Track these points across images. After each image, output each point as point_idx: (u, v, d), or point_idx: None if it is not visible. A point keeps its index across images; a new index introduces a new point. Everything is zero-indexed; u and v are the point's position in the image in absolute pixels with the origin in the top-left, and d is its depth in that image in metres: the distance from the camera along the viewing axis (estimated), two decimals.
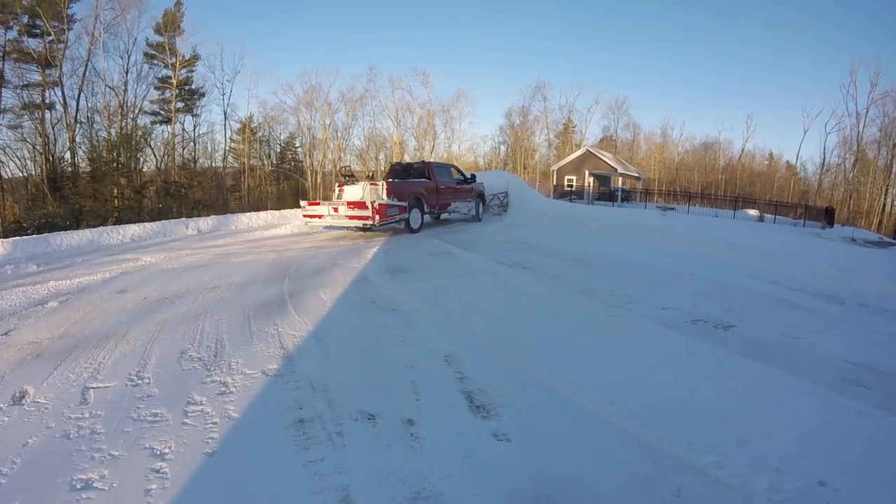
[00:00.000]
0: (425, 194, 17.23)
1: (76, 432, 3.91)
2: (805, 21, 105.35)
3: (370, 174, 19.89)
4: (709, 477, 3.53)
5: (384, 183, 15.37)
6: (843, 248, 19.81)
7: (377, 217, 14.26)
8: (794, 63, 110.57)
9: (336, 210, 15.01)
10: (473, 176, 21.62)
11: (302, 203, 16.84)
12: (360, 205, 14.44)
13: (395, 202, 15.21)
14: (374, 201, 14.30)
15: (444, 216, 19.47)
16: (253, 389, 4.66)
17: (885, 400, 5.09)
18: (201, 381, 4.85)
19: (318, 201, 16.40)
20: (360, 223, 14.76)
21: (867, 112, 63.97)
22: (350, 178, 17.55)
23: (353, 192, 16.14)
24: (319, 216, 15.68)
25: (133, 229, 17.14)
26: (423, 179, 17.78)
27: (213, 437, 3.85)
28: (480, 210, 21.53)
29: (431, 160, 25.36)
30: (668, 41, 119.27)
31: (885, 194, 61.80)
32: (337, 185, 17.35)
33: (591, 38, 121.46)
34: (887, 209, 60.62)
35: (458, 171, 20.84)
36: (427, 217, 17.60)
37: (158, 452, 3.64)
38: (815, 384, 5.21)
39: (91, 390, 4.65)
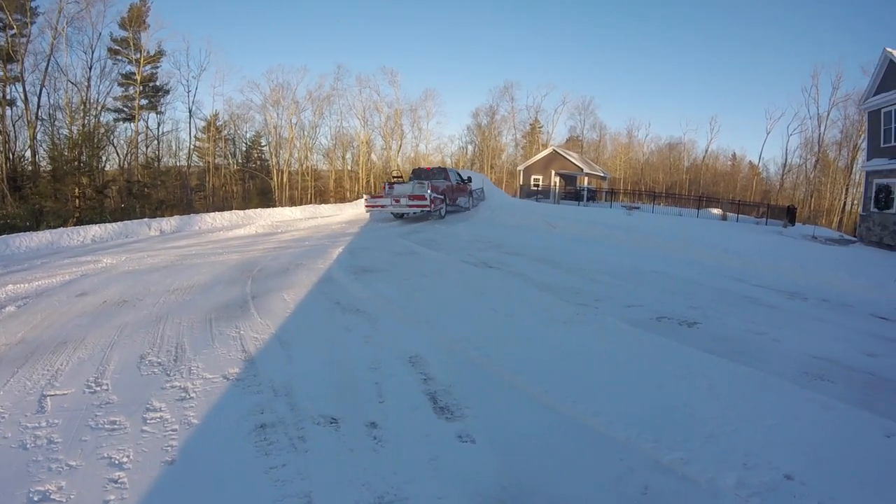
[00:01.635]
0: (448, 191, 23.05)
1: (33, 442, 3.80)
2: (768, 25, 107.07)
3: (400, 175, 27.18)
4: (676, 474, 3.55)
5: (429, 183, 21.08)
6: (805, 245, 20.22)
7: (432, 205, 20.40)
8: (758, 66, 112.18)
9: (397, 201, 20.51)
10: (470, 178, 28.09)
11: (364, 196, 25.50)
12: (420, 197, 20.06)
13: (439, 196, 21.52)
14: (428, 194, 20.06)
15: (408, 214, 22.60)
16: (213, 394, 4.58)
17: (849, 393, 5.22)
18: (161, 386, 4.76)
19: (380, 195, 22.20)
20: (418, 210, 20.71)
21: (829, 114, 65.72)
22: (399, 178, 24.50)
23: (403, 188, 21.38)
24: (382, 206, 21.18)
25: (94, 230, 16.83)
26: (443, 180, 23.20)
27: (172, 444, 3.77)
28: (471, 203, 26.81)
29: (447, 167, 30.94)
30: (635, 43, 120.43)
31: (846, 194, 63.35)
32: (387, 183, 22.67)
33: (559, 39, 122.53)
34: (847, 208, 61.93)
35: (458, 174, 26.50)
36: (445, 208, 22.83)
37: (117, 462, 3.55)
38: (779, 379, 5.35)
39: (48, 398, 4.54)
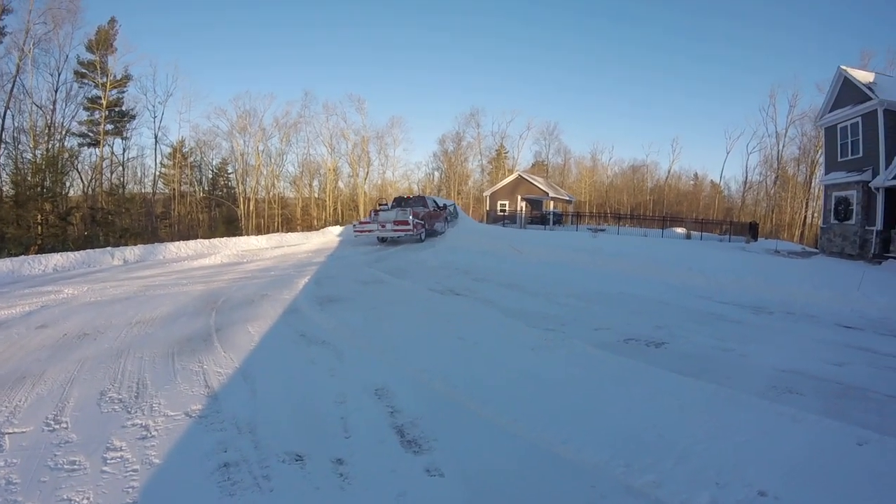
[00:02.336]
0: (427, 217, 25.10)
1: None
2: (726, 47, 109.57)
3: (385, 203, 27.86)
4: (648, 497, 3.54)
5: (411, 209, 23.38)
6: (768, 259, 20.59)
7: (414, 230, 22.77)
8: (717, 88, 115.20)
9: (384, 226, 22.82)
10: (445, 205, 30.55)
11: (354, 223, 29.15)
12: (404, 223, 22.45)
13: (420, 221, 23.67)
14: (411, 220, 22.42)
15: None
16: (176, 432, 4.48)
17: (819, 404, 5.29)
18: (122, 424, 4.64)
19: (368, 220, 24.29)
20: (402, 234, 22.88)
21: (786, 132, 67.58)
22: (385, 205, 26.06)
23: (388, 214, 23.53)
24: (370, 231, 23.45)
25: (56, 259, 16.55)
26: (422, 207, 25.49)
27: (133, 485, 3.67)
28: (446, 227, 29.08)
29: (425, 194, 34.83)
30: (598, 68, 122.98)
31: (806, 207, 65.07)
32: (373, 210, 25.51)
33: (524, 64, 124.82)
34: (808, 221, 63.53)
35: (435, 200, 29.86)
36: (424, 233, 24.69)
37: None
38: (748, 394, 5.41)
39: (6, 436, 4.40)
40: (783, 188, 68.12)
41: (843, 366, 6.71)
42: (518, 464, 4.02)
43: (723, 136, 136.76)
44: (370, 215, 25.19)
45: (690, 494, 3.52)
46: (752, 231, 36.69)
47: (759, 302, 11.29)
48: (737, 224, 43.38)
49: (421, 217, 24.16)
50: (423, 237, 24.42)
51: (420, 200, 26.89)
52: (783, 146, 68.12)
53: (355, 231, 24.75)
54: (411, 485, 3.70)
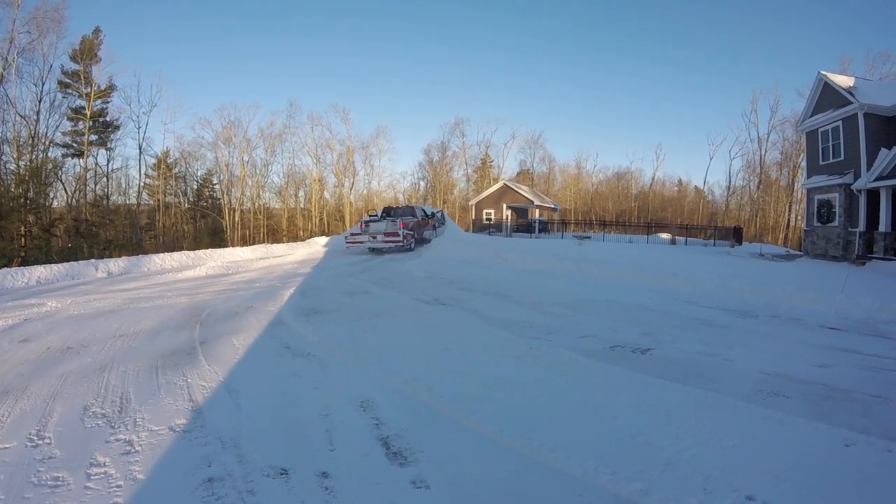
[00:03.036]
0: (416, 226, 25.98)
1: None
2: (707, 54, 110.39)
3: (375, 213, 28.35)
4: None
5: (400, 220, 24.05)
6: (753, 263, 20.75)
7: (404, 240, 23.60)
8: (699, 94, 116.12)
9: (374, 237, 23.79)
10: (433, 213, 32.16)
11: (345, 234, 29.73)
12: (394, 234, 23.41)
13: (410, 231, 24.46)
14: (400, 231, 23.27)
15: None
16: (160, 447, 4.44)
17: (805, 407, 5.31)
18: (105, 439, 4.60)
19: (359, 233, 24.80)
20: (393, 245, 23.65)
21: (768, 137, 68.58)
22: (374, 217, 26.24)
23: (378, 226, 24.23)
24: (361, 242, 24.36)
25: (39, 271, 16.41)
26: (411, 217, 26.25)
27: (117, 501, 3.64)
28: (434, 234, 29.73)
29: (411, 203, 35.30)
30: (581, 76, 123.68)
31: (789, 211, 65.65)
32: (363, 222, 25.56)
33: (507, 74, 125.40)
34: (791, 224, 64.15)
35: (423, 209, 30.62)
36: (414, 242, 25.45)
37: None
38: (735, 399, 5.42)
39: None
40: (766, 192, 68.85)
41: (829, 368, 6.75)
42: (505, 474, 4.01)
43: (706, 142, 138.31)
44: (360, 227, 25.55)
45: (678, 501, 3.52)
46: (736, 235, 36.86)
47: (744, 306, 11.37)
48: (721, 229, 43.56)
49: (410, 227, 24.87)
50: (412, 246, 25.00)
51: (408, 210, 27.72)
52: (765, 151, 69.06)
53: (347, 243, 25.55)
54: (397, 497, 3.69)
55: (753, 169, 70.78)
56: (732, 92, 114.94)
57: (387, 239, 23.62)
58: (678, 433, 4.58)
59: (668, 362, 6.92)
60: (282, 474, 3.97)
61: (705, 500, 3.53)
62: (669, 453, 4.20)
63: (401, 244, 23.63)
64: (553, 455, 4.21)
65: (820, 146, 24.71)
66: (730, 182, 74.96)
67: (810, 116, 25.42)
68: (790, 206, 65.01)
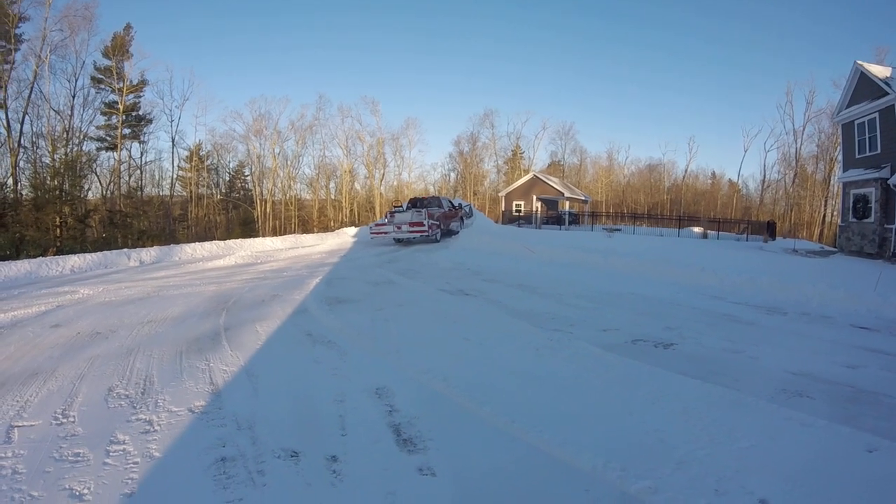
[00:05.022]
0: (442, 217, 25.60)
1: None
2: (741, 45, 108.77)
3: (400, 204, 28.52)
4: None
5: (426, 210, 23.92)
6: (786, 259, 20.33)
7: (430, 230, 23.36)
8: (733, 85, 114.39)
9: (399, 228, 23.69)
10: (460, 205, 31.93)
11: (370, 224, 29.16)
12: (419, 224, 23.17)
13: (435, 221, 24.16)
14: (426, 221, 23.07)
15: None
16: (177, 427, 4.54)
17: (829, 409, 5.15)
18: (126, 419, 4.72)
19: (383, 223, 25.22)
20: (418, 235, 23.52)
21: (804, 129, 66.93)
22: (400, 207, 26.67)
23: (403, 216, 24.23)
24: (385, 233, 24.40)
25: (74, 260, 16.71)
26: (437, 208, 25.93)
27: (132, 477, 3.74)
28: (461, 226, 29.25)
29: (439, 195, 34.69)
30: (613, 67, 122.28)
31: (825, 206, 64.32)
32: (389, 212, 25.84)
33: (537, 66, 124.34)
34: (827, 219, 62.82)
35: (450, 201, 30.33)
36: (440, 233, 25.12)
37: (77, 493, 3.52)
38: (756, 398, 5.29)
39: (16, 429, 4.50)
40: (802, 186, 67.44)
41: (856, 369, 6.55)
42: (512, 465, 4.00)
43: (740, 135, 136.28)
44: (386, 217, 25.70)
45: (686, 502, 3.46)
46: (769, 230, 36.31)
47: (773, 302, 11.17)
48: (754, 223, 43.02)
49: (436, 217, 24.50)
50: (438, 237, 24.73)
51: (435, 201, 27.21)
52: (801, 144, 67.61)
53: (371, 233, 25.59)
54: (402, 484, 3.71)
55: (789, 162, 69.55)
56: (767, 82, 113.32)
57: (412, 229, 23.42)
58: (694, 431, 4.50)
59: (691, 358, 6.81)
60: (292, 456, 4.03)
61: (715, 501, 3.46)
62: (683, 452, 4.12)
63: (426, 234, 23.42)
64: (563, 449, 4.17)
65: (856, 139, 24.09)
66: (764, 175, 73.88)
67: (846, 108, 24.77)
68: (826, 201, 63.80)
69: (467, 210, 33.36)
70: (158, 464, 3.95)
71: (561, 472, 3.89)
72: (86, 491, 3.56)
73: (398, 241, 24.90)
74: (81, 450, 4.14)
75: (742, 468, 3.87)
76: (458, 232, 27.77)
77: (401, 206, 26.93)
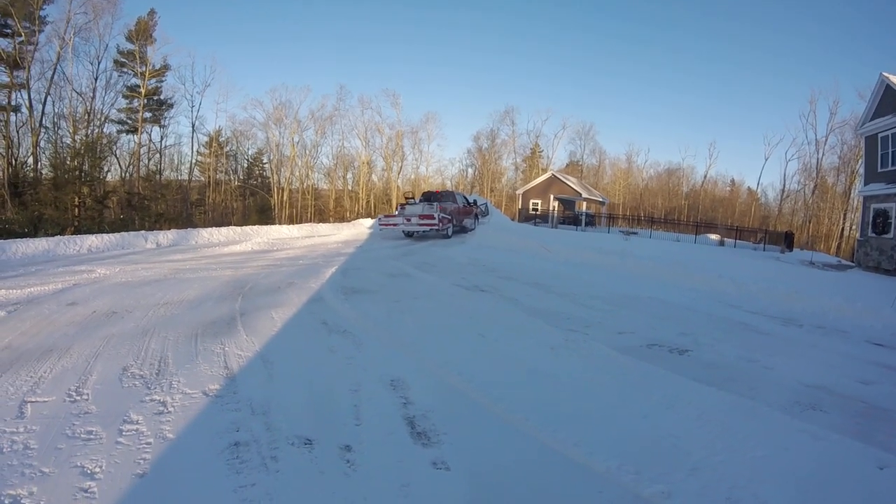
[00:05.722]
0: (455, 213, 24.85)
1: (9, 447, 3.78)
2: (766, 51, 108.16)
3: (412, 197, 27.53)
4: None
5: (437, 204, 23.34)
6: (802, 271, 20.21)
7: (440, 224, 22.31)
8: (756, 92, 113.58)
9: (409, 220, 22.70)
10: (476, 202, 30.82)
11: (379, 216, 27.13)
12: (429, 217, 22.23)
13: (447, 216, 23.21)
14: (437, 215, 22.08)
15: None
16: (191, 410, 4.54)
17: (842, 423, 5.12)
18: (140, 399, 4.72)
19: (393, 214, 25.11)
20: (427, 228, 22.61)
21: (826, 140, 66.26)
22: (411, 199, 26.05)
23: (414, 209, 23.62)
24: (395, 225, 23.54)
25: (91, 240, 16.83)
26: (451, 203, 25.27)
27: (145, 457, 3.74)
28: (476, 224, 28.72)
29: (455, 190, 33.09)
30: (635, 69, 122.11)
31: (844, 219, 63.74)
32: (400, 205, 24.94)
33: (559, 65, 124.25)
34: (845, 233, 62.16)
35: (465, 197, 29.59)
36: (451, 228, 24.27)
37: (89, 471, 3.52)
38: (770, 408, 5.26)
39: (29, 404, 4.51)
40: (821, 198, 66.86)
41: (870, 385, 6.50)
42: (526, 463, 3.99)
43: (761, 142, 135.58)
44: (397, 209, 25.20)
45: None
46: (787, 241, 36.12)
47: (788, 313, 11.10)
48: (772, 233, 42.75)
49: (448, 212, 23.75)
50: (449, 233, 24.10)
51: (449, 196, 26.55)
52: (822, 154, 66.92)
53: (380, 225, 24.81)
54: (416, 476, 3.70)
55: (809, 173, 68.83)
56: (791, 91, 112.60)
57: (421, 222, 22.53)
58: (708, 438, 4.48)
59: (706, 365, 6.77)
60: (306, 444, 4.02)
61: None
62: (697, 458, 4.10)
63: (436, 228, 22.50)
64: (577, 449, 4.16)
65: (879, 152, 23.78)
66: (784, 185, 73.11)
67: (870, 120, 24.51)
68: (845, 214, 63.19)
69: (483, 208, 32.64)
70: (171, 445, 3.95)
71: (575, 473, 3.87)
72: (97, 469, 3.56)
73: (408, 234, 24.42)
74: (94, 428, 4.14)
75: (755, 477, 3.86)
76: (472, 229, 27.43)
77: (413, 199, 26.41)
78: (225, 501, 3.31)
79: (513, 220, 46.51)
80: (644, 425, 4.74)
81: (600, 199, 61.28)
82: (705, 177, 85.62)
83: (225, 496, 3.36)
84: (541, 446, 4.24)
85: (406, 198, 27.41)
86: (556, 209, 52.11)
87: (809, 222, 67.11)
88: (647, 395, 5.49)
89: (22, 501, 3.19)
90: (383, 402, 4.97)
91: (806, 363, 7.32)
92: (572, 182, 56.70)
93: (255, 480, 3.51)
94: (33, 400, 4.62)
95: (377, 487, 3.55)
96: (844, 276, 20.13)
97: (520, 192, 59.67)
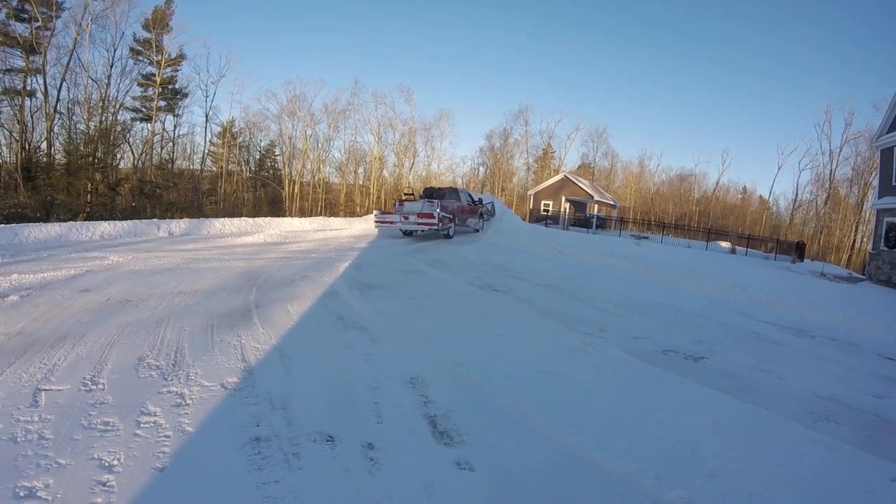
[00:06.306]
0: (458, 212, 23.30)
1: (24, 436, 3.75)
2: (782, 60, 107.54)
3: (411, 192, 27.12)
4: None
5: (439, 202, 21.41)
6: (814, 282, 20.13)
7: (440, 224, 20.67)
8: (771, 100, 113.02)
9: (406, 218, 20.89)
10: (481, 200, 28.51)
11: (374, 212, 26.22)
12: (429, 215, 20.45)
13: (448, 215, 21.66)
14: (437, 213, 20.38)
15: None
16: (210, 403, 4.51)
17: (855, 435, 5.10)
18: (157, 390, 4.69)
19: (390, 211, 23.29)
20: (426, 228, 20.93)
21: (840, 151, 65.73)
22: (410, 195, 25.03)
23: (413, 206, 21.79)
24: (391, 222, 21.65)
25: (104, 227, 16.91)
26: (454, 201, 23.42)
27: (164, 451, 3.70)
28: (481, 224, 27.06)
29: (458, 188, 29.68)
30: (649, 74, 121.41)
31: (855, 231, 63.26)
32: (398, 201, 23.42)
33: (573, 67, 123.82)
34: (857, 246, 61.75)
35: (469, 195, 26.88)
36: (453, 228, 22.67)
37: (107, 464, 3.49)
38: (785, 418, 5.23)
39: (43, 392, 4.48)
40: (833, 209, 66.48)
41: (882, 398, 6.47)
42: (548, 465, 3.96)
43: (775, 151, 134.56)
44: (394, 206, 23.40)
45: None
46: (798, 251, 35.93)
47: (800, 324, 11.02)
48: (783, 243, 42.58)
49: (450, 211, 22.28)
50: (450, 233, 22.52)
51: (452, 193, 24.51)
52: (836, 165, 66.38)
53: (375, 221, 23.05)
54: (440, 476, 3.68)
55: (822, 183, 68.29)
56: (805, 100, 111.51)
57: (420, 220, 20.75)
58: (725, 446, 4.48)
59: (720, 373, 6.73)
60: (328, 441, 4.00)
61: None
62: (715, 465, 4.09)
63: (435, 227, 20.87)
64: (597, 452, 4.14)
65: (894, 166, 23.65)
66: (796, 195, 72.60)
67: (886, 133, 24.37)
68: (857, 227, 62.76)
69: (489, 207, 30.58)
70: (191, 439, 3.92)
71: (595, 476, 3.87)
72: (115, 462, 3.53)
73: (406, 233, 22.72)
74: (111, 419, 4.11)
75: (771, 486, 3.85)
76: (477, 230, 26.37)
77: (411, 195, 25.21)
78: (248, 498, 3.27)
79: (523, 220, 46.48)
80: (662, 431, 4.73)
81: (612, 203, 61.25)
82: (717, 183, 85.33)
83: (248, 493, 3.32)
84: (562, 448, 4.22)
85: (404, 193, 26.47)
86: (567, 211, 52.10)
87: (821, 233, 66.74)
88: (664, 400, 5.48)
89: (37, 494, 3.15)
90: (403, 399, 4.95)
91: (818, 375, 7.30)
92: (584, 184, 56.67)
93: (278, 477, 3.48)
94: (47, 388, 4.60)
95: (402, 487, 3.52)
96: (856, 288, 20.01)
97: (531, 192, 59.64)
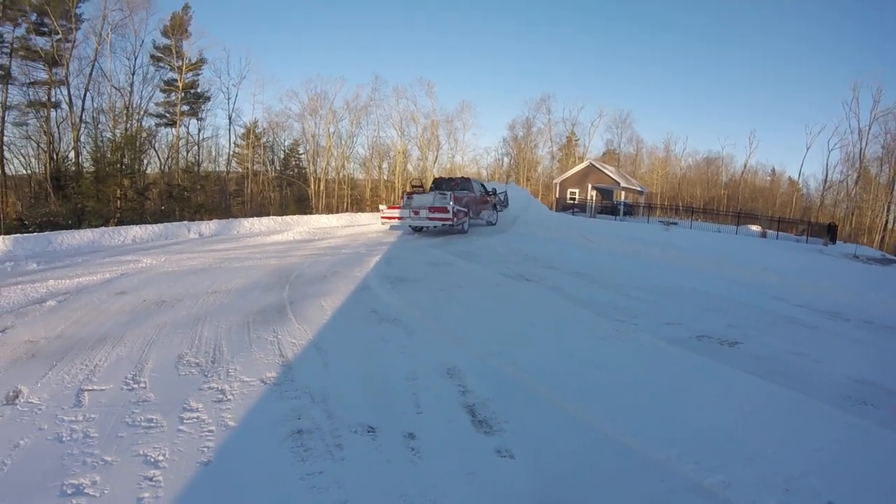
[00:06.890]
0: (472, 204, 21.44)
1: (69, 435, 3.83)
2: (807, 39, 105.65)
3: (420, 184, 24.07)
4: (717, 497, 3.43)
5: (452, 194, 19.20)
6: (847, 264, 19.77)
7: (455, 218, 18.69)
8: (797, 80, 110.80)
9: (417, 213, 18.94)
10: (494, 190, 26.93)
11: (381, 207, 21.96)
12: (442, 210, 18.47)
13: (462, 208, 19.74)
14: (451, 207, 18.39)
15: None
16: (251, 398, 4.58)
17: (893, 418, 5.01)
18: (198, 387, 4.77)
19: (397, 205, 20.37)
20: (439, 224, 19.00)
21: (869, 129, 63.80)
22: (419, 188, 22.31)
23: (423, 199, 19.48)
24: (399, 218, 19.67)
25: (135, 231, 17.15)
26: (466, 192, 21.63)
27: (208, 445, 3.77)
28: (496, 217, 25.25)
29: (470, 177, 27.00)
30: (672, 57, 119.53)
31: (888, 211, 61.52)
32: (406, 194, 20.69)
33: (594, 54, 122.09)
34: (889, 226, 60.30)
35: (482, 185, 25.18)
36: (468, 223, 21.12)
37: (152, 460, 3.56)
38: (821, 402, 5.16)
39: (86, 393, 4.58)
40: (864, 189, 64.81)
41: None
42: (587, 451, 3.98)
43: (803, 131, 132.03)
44: (402, 199, 20.74)
45: (759, 498, 3.41)
46: (830, 233, 35.27)
47: (834, 307, 10.83)
48: (815, 225, 41.87)
49: (464, 204, 20.37)
50: (465, 228, 20.89)
51: (465, 183, 22.62)
52: (865, 144, 64.47)
53: (382, 217, 21.00)
54: (481, 464, 3.70)
55: (852, 163, 66.33)
56: (832, 77, 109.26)
57: (432, 216, 18.78)
58: (762, 430, 4.44)
59: (755, 357, 6.65)
60: (369, 432, 4.03)
61: (786, 499, 3.40)
62: (752, 449, 4.06)
63: (450, 223, 18.86)
64: (636, 438, 4.13)
65: None
66: (826, 175, 70.63)
67: None
68: (889, 207, 61.09)
69: (501, 197, 28.82)
70: (234, 433, 3.98)
71: (635, 461, 3.86)
72: (161, 458, 3.60)
73: (416, 229, 20.83)
74: (154, 416, 4.19)
75: (809, 470, 3.80)
76: (492, 223, 24.63)
77: (420, 187, 22.81)
78: (292, 489, 3.32)
79: (549, 209, 46.23)
80: (698, 416, 4.71)
81: (639, 189, 60.66)
82: (745, 166, 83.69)
83: (292, 484, 3.37)
84: (600, 435, 4.21)
85: (412, 185, 25.12)
86: (593, 198, 51.75)
87: (853, 214, 65.14)
88: (700, 386, 5.45)
89: (85, 491, 3.22)
90: (441, 390, 4.97)
91: (854, 358, 7.17)
92: (610, 171, 56.18)
93: (322, 468, 3.52)
94: (90, 388, 4.70)
95: (444, 475, 3.55)
96: (890, 270, 19.65)
97: (557, 181, 59.23)
